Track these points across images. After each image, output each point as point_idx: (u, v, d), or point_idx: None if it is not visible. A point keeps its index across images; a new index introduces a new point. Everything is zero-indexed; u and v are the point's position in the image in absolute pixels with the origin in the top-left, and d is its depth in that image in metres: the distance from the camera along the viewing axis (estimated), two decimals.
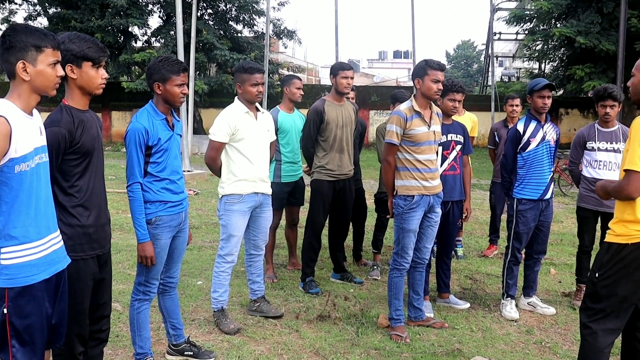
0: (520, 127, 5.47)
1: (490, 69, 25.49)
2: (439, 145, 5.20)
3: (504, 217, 8.01)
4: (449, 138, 5.45)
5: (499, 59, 42.21)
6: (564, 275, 6.91)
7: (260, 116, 5.12)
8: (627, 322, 3.61)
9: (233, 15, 25.99)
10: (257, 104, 5.12)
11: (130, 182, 3.82)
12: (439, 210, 5.04)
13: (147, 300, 4.11)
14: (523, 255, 5.75)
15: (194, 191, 12.76)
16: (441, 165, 5.37)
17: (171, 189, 3.96)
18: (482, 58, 44.29)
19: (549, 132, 5.47)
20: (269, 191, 5.20)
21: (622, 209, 3.44)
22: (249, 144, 4.96)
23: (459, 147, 5.52)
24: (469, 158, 5.86)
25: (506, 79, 34.24)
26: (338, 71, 5.98)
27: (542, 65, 26.42)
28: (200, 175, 15.35)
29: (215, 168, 5.04)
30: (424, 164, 4.84)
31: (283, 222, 7.00)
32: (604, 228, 5.70)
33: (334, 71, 6.02)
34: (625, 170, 3.29)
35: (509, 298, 5.59)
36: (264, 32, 22.79)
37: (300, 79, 6.57)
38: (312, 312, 5.49)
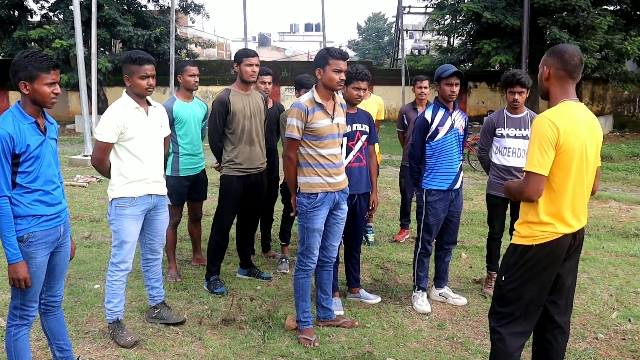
0: (427, 115, 5.28)
1: (400, 43, 25.50)
2: (344, 136, 4.94)
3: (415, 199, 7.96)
4: (354, 128, 5.20)
5: (409, 31, 42.55)
6: (474, 260, 6.87)
7: (152, 111, 4.69)
8: (537, 322, 3.52)
9: None
10: (149, 98, 4.69)
11: None
12: (345, 207, 4.80)
13: (26, 325, 3.67)
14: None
15: (97, 178, 12.10)
16: (346, 157, 5.13)
17: (45, 201, 3.52)
18: (393, 31, 44.55)
19: (458, 119, 5.31)
20: (164, 192, 4.81)
21: (526, 210, 3.39)
22: (139, 143, 4.53)
23: (364, 137, 5.28)
24: (376, 147, 5.63)
25: (416, 52, 34.57)
26: (242, 58, 5.59)
27: (451, 40, 26.69)
28: None
29: (103, 170, 4.57)
30: (327, 159, 4.57)
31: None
32: (513, 214, 5.65)
33: (237, 59, 5.63)
34: (524, 172, 3.24)
35: (420, 291, 5.46)
36: (170, 6, 21.95)
37: (195, 65, 6.06)
38: (217, 315, 5.18)
